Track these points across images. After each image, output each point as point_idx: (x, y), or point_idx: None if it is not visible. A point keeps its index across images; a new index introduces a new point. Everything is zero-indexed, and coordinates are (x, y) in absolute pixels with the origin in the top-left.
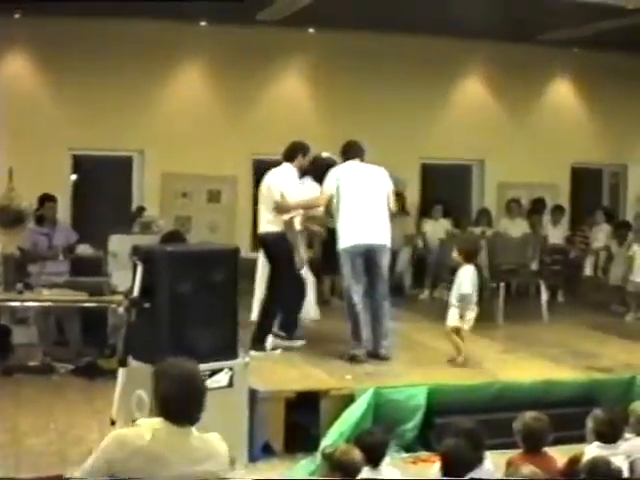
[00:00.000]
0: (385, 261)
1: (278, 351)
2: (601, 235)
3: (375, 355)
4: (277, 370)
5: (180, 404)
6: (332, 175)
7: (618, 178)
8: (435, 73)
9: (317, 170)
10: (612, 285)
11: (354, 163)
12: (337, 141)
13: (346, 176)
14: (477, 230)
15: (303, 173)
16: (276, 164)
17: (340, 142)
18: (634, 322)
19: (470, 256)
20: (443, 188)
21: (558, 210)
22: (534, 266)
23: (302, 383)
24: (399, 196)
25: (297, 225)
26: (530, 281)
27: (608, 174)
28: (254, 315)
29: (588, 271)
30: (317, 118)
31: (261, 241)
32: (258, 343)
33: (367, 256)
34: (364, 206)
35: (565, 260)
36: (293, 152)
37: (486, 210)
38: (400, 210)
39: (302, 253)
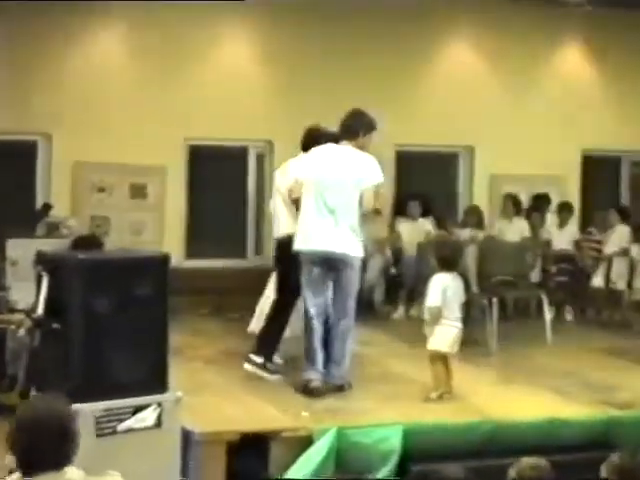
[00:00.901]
0: (348, 273)
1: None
2: (616, 238)
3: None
4: (217, 405)
5: (31, 453)
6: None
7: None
8: (413, 36)
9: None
10: (634, 301)
11: (327, 148)
12: (293, 120)
13: (312, 164)
14: (464, 232)
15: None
16: (216, 151)
17: (296, 122)
18: None
19: (446, 262)
20: (422, 181)
21: (565, 208)
22: (535, 277)
23: (248, 422)
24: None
25: None
26: (530, 296)
27: (628, 163)
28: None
29: (598, 282)
30: (267, 92)
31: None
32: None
33: (327, 265)
34: (326, 204)
35: (574, 270)
36: (308, 140)
37: (476, 208)
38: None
39: None
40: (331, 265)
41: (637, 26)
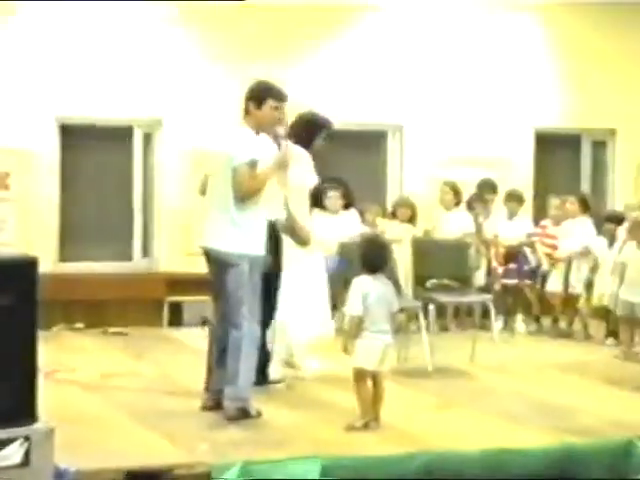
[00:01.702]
0: (226, 274)
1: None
2: (575, 234)
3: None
4: (97, 438)
5: None
6: None
7: (603, 149)
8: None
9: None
10: (595, 306)
11: (225, 127)
12: (185, 95)
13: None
14: (394, 228)
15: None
16: (94, 131)
17: (189, 97)
18: (626, 360)
19: (369, 263)
20: (342, 166)
21: (514, 197)
22: (480, 280)
23: (134, 457)
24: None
25: None
26: (474, 302)
27: (589, 143)
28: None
29: (555, 285)
30: (157, 62)
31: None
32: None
33: (214, 264)
34: (210, 192)
35: (525, 271)
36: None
37: (407, 200)
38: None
39: None
40: (215, 264)
41: None
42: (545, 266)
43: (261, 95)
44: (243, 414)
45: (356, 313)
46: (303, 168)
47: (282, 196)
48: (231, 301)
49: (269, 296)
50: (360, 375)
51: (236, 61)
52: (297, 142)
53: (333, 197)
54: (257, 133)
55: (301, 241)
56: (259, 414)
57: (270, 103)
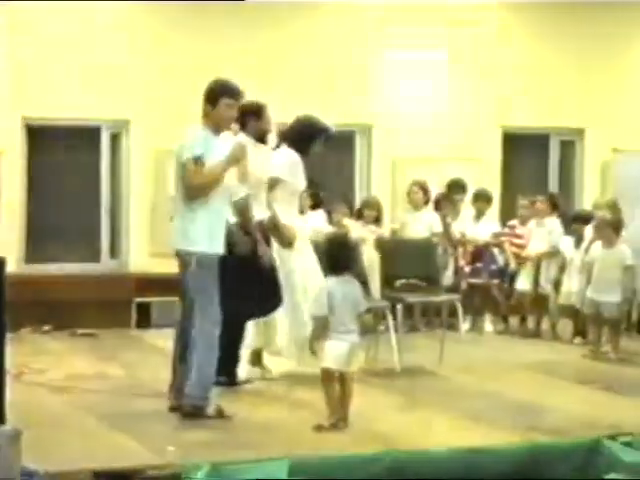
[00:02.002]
0: (184, 273)
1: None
2: (544, 233)
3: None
4: (65, 440)
5: None
6: None
7: (571, 148)
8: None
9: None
10: (563, 306)
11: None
12: (152, 96)
13: None
14: (361, 228)
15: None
16: (62, 132)
17: (156, 98)
18: (595, 359)
19: (334, 263)
20: (311, 166)
21: (482, 197)
22: (448, 280)
23: (102, 459)
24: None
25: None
26: (442, 302)
27: (557, 142)
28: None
29: (523, 285)
30: (124, 64)
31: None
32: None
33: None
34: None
35: (493, 271)
36: (242, 116)
37: (374, 201)
38: None
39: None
40: (178, 262)
41: None
42: (513, 266)
43: (215, 95)
44: (199, 412)
45: (321, 314)
46: (295, 172)
47: (264, 196)
48: (186, 300)
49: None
50: (328, 375)
51: (204, 61)
52: (292, 146)
53: (302, 197)
54: (217, 133)
55: (283, 241)
56: (220, 414)
57: (224, 101)
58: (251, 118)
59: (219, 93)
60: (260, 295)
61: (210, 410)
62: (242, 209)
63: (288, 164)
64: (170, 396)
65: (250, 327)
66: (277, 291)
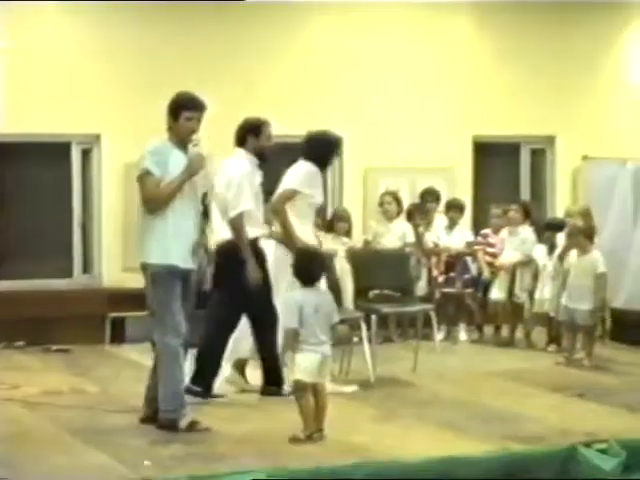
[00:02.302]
0: (147, 286)
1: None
2: (518, 242)
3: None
4: (40, 456)
5: None
6: None
7: (542, 156)
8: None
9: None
10: (537, 313)
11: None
12: (124, 110)
13: None
14: (332, 240)
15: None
16: (32, 147)
17: (128, 112)
18: (569, 366)
19: (304, 275)
20: (276, 175)
21: (455, 206)
22: (421, 290)
23: (77, 474)
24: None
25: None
26: (416, 312)
27: (528, 150)
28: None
29: (497, 294)
30: (93, 79)
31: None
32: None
33: None
34: None
35: (467, 280)
36: (241, 133)
37: (343, 212)
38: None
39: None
40: None
41: (528, 2)
42: (486, 274)
43: (176, 108)
44: (172, 425)
45: (291, 326)
46: (313, 184)
47: (262, 212)
48: (149, 314)
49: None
50: (300, 387)
51: (175, 75)
52: (310, 160)
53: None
54: (181, 146)
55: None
56: (194, 427)
57: (184, 115)
58: (250, 135)
59: (179, 106)
60: (255, 312)
61: (183, 423)
62: (236, 226)
63: (306, 176)
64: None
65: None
66: (270, 308)
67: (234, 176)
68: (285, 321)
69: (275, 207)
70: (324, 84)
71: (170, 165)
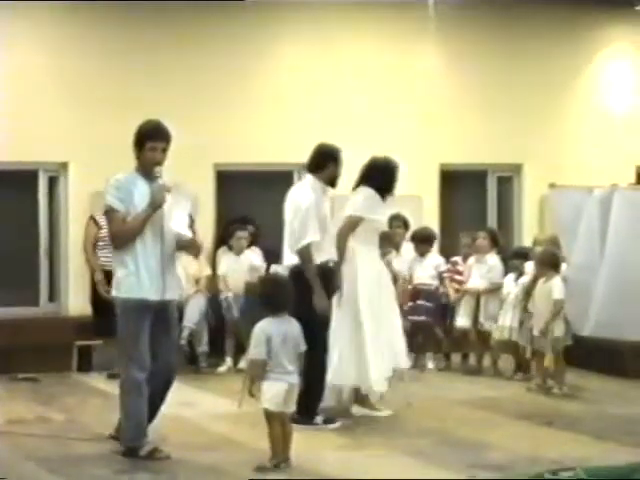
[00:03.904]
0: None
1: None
2: (483, 270)
3: None
4: None
5: None
6: None
7: (509, 184)
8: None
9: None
10: (501, 341)
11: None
12: (90, 138)
13: None
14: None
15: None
16: None
17: (94, 140)
18: (540, 393)
19: (271, 303)
20: (250, 205)
21: (425, 235)
22: None
23: None
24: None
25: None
26: None
27: (495, 178)
28: None
29: (464, 322)
30: (60, 107)
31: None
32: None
33: None
34: None
35: (435, 307)
36: (321, 159)
37: None
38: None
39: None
40: None
41: (495, 29)
42: (452, 300)
43: (140, 138)
44: (133, 453)
45: (259, 357)
46: (375, 209)
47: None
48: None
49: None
50: (268, 416)
51: (143, 102)
52: (374, 186)
53: (242, 238)
54: (148, 176)
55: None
56: (154, 455)
57: (148, 145)
58: (331, 161)
59: (143, 136)
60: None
61: (144, 450)
62: (303, 257)
63: (369, 202)
64: None
65: None
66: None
67: (301, 205)
68: (253, 352)
69: (341, 234)
70: (294, 118)
71: (136, 197)
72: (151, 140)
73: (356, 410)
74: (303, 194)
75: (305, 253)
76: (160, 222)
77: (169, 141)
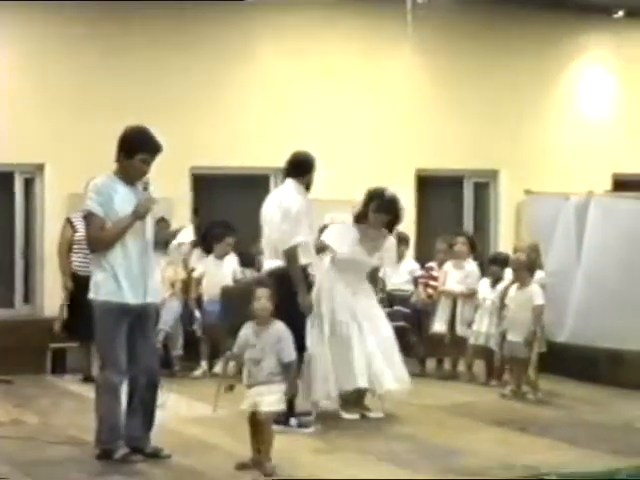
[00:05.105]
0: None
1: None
2: (460, 275)
3: None
4: None
5: None
6: None
7: (485, 190)
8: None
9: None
10: (475, 345)
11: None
12: (66, 140)
13: None
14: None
15: None
16: None
17: (70, 141)
18: (515, 399)
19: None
20: (228, 209)
21: (401, 240)
22: None
23: None
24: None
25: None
26: None
27: (472, 184)
28: None
29: (440, 327)
30: (35, 109)
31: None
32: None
33: None
34: None
35: (410, 313)
36: (303, 165)
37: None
38: None
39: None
40: None
41: (473, 36)
42: (427, 306)
43: (132, 147)
44: (107, 456)
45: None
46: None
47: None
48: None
49: None
50: (249, 418)
51: (120, 103)
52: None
53: (229, 244)
54: (130, 183)
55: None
56: (127, 457)
57: (139, 156)
58: (311, 169)
59: (135, 146)
60: None
61: (118, 454)
62: (290, 258)
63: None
64: None
65: None
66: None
67: (290, 208)
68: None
69: None
70: (272, 121)
71: (116, 202)
72: (144, 152)
73: (347, 415)
74: (291, 198)
75: (292, 253)
76: (142, 226)
77: (159, 154)
